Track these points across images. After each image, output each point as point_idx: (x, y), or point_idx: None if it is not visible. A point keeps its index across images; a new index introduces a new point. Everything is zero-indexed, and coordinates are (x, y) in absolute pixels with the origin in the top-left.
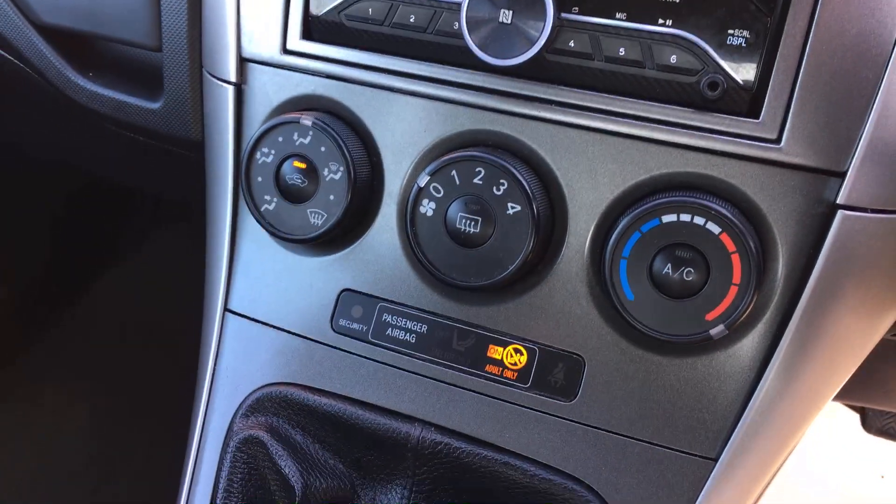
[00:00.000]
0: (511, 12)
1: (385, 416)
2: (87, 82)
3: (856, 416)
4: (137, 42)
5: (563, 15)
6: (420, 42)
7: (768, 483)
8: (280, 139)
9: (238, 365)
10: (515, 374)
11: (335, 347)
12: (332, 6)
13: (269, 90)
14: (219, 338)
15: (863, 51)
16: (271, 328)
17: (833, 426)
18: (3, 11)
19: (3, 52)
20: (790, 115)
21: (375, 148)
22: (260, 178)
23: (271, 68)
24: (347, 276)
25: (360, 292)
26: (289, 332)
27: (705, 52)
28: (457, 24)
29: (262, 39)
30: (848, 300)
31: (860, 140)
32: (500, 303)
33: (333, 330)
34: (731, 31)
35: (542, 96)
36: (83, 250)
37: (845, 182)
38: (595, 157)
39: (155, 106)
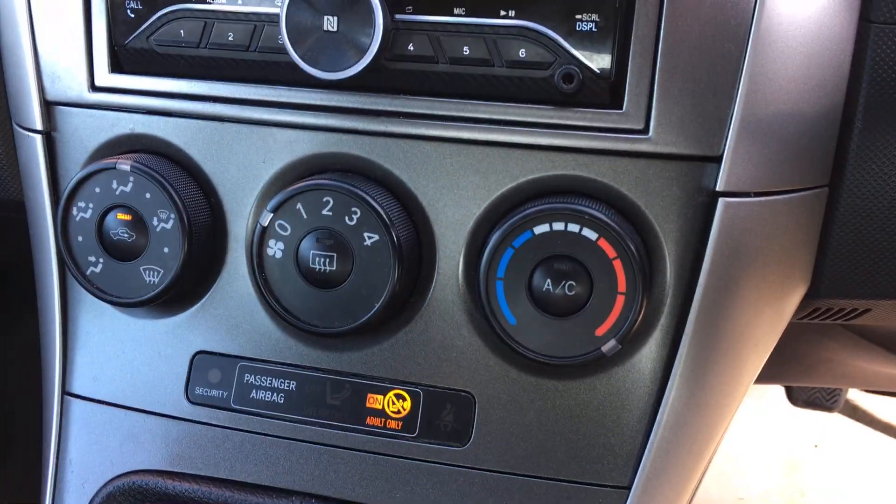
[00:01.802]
0: (336, 18)
1: (258, 493)
2: None
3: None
4: None
5: (397, 16)
6: (244, 62)
7: (693, 495)
8: (97, 190)
9: (84, 456)
10: (400, 424)
11: (194, 421)
12: (138, 32)
13: (82, 135)
14: (59, 426)
15: (721, 21)
16: (119, 408)
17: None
18: None
19: None
20: (654, 101)
21: (212, 187)
22: (80, 237)
23: (81, 109)
24: (199, 337)
25: (215, 353)
26: (140, 410)
27: (554, 42)
28: (280, 37)
29: (67, 78)
30: (744, 293)
31: (731, 120)
32: (373, 345)
33: (190, 401)
34: (578, 17)
35: (387, 108)
36: None
37: (722, 167)
38: (455, 170)
39: None
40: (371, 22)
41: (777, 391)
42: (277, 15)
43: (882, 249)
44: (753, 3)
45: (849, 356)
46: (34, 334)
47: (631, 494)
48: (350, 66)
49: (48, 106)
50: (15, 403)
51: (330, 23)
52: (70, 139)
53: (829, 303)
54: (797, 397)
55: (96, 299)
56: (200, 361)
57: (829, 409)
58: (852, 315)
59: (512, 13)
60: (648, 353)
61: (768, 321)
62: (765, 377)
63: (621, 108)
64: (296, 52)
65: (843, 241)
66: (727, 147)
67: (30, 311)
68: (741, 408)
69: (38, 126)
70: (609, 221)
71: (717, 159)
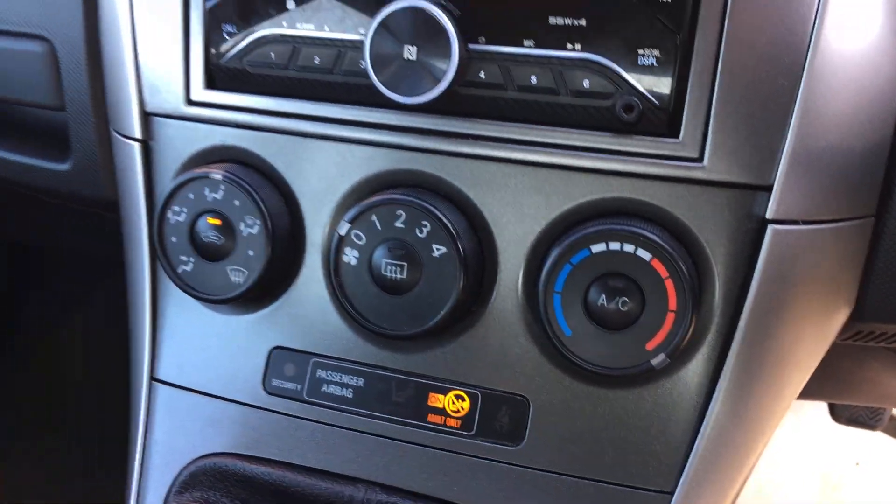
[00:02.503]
0: (415, 48)
1: (326, 479)
2: None
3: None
4: (39, 102)
5: (471, 46)
6: (328, 83)
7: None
8: (191, 196)
9: (169, 438)
10: (459, 423)
11: (270, 410)
12: (233, 54)
13: (177, 144)
14: (147, 410)
15: (776, 60)
16: (202, 395)
17: (804, 418)
18: None
19: None
20: (710, 131)
21: (293, 196)
22: (174, 239)
23: (177, 121)
24: (277, 333)
25: (291, 349)
26: (220, 398)
27: (617, 74)
28: (363, 62)
29: (165, 92)
30: (788, 315)
31: (783, 151)
32: (436, 348)
33: (266, 391)
34: (640, 52)
35: (459, 131)
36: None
37: (772, 196)
38: (518, 190)
39: (64, 167)
40: (448, 52)
41: (816, 407)
42: (361, 42)
43: None
44: (808, 42)
45: (892, 377)
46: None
47: (674, 499)
48: (427, 92)
49: (147, 117)
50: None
51: (410, 52)
52: (166, 148)
53: (872, 326)
54: (840, 414)
55: (184, 295)
56: (277, 356)
57: (872, 427)
58: (894, 339)
59: (578, 46)
60: (695, 368)
61: (812, 342)
62: (808, 393)
63: (678, 138)
64: (378, 77)
65: (886, 269)
66: (778, 177)
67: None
68: (781, 423)
69: (137, 135)
70: (662, 243)
71: (768, 188)
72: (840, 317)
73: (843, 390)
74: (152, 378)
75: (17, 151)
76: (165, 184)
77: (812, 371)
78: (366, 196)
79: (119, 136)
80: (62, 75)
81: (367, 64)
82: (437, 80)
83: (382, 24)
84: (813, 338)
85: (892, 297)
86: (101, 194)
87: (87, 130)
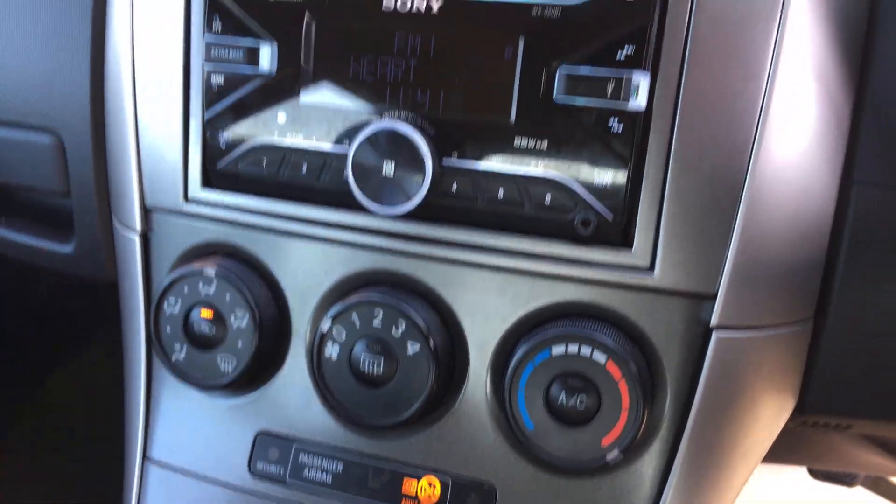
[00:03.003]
0: (393, 163)
1: None
2: None
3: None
4: (47, 189)
5: (444, 161)
6: (314, 188)
7: None
8: (186, 289)
9: None
10: None
11: (254, 493)
12: (228, 159)
13: (174, 237)
14: (139, 487)
15: (718, 183)
16: (191, 476)
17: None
18: None
19: None
20: (659, 245)
21: (280, 290)
22: (169, 329)
23: (175, 216)
24: (263, 418)
25: (275, 434)
26: (208, 479)
27: (575, 193)
28: (346, 174)
29: (165, 189)
30: (734, 412)
31: (726, 264)
32: (411, 436)
33: (251, 473)
34: (596, 174)
35: (433, 236)
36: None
37: (717, 304)
38: (486, 292)
39: (67, 249)
40: (422, 169)
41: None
42: (345, 156)
43: (857, 376)
44: (746, 169)
45: (854, 448)
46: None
47: None
48: (404, 203)
49: (147, 211)
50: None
51: (388, 167)
52: (163, 240)
53: (815, 418)
54: (817, 472)
55: (177, 380)
56: (262, 440)
57: (849, 484)
58: (838, 428)
59: (540, 165)
60: (649, 461)
61: (758, 434)
62: (780, 459)
63: (631, 249)
64: (359, 189)
65: (825, 367)
66: (721, 287)
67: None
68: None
69: (138, 228)
70: (616, 348)
71: (713, 297)
72: (785, 410)
73: (812, 458)
74: (145, 457)
75: (23, 233)
76: (162, 273)
77: (761, 458)
78: (347, 292)
79: (120, 226)
80: (69, 165)
81: (349, 177)
82: (413, 194)
83: (364, 142)
84: (759, 431)
85: (833, 393)
86: (102, 275)
87: (91, 216)
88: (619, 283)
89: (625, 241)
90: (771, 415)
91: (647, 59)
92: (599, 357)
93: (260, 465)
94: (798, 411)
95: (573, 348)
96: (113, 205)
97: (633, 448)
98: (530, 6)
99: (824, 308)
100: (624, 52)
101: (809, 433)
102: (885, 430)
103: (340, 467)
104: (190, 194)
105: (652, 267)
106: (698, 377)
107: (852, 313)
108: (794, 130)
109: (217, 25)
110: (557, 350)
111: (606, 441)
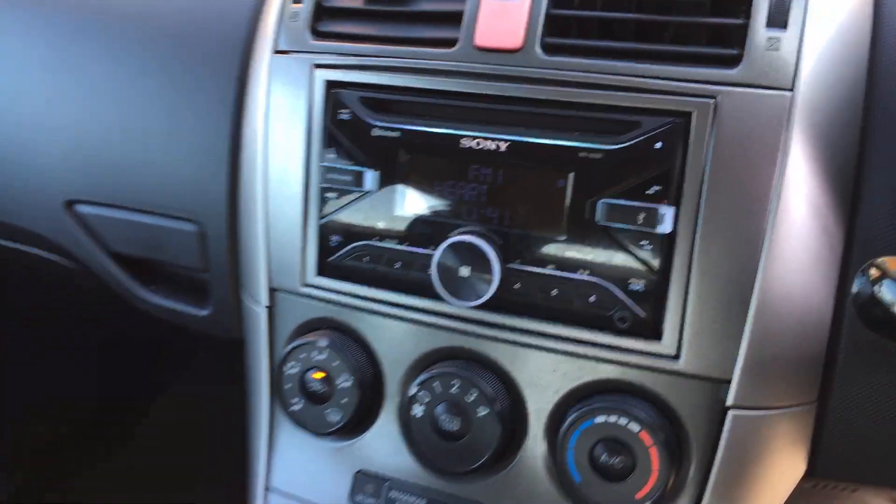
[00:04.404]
0: (468, 268)
1: None
2: (150, 295)
3: None
4: (190, 266)
5: (509, 265)
6: (404, 281)
7: None
8: (302, 355)
9: None
10: None
11: None
12: (338, 255)
13: (293, 312)
14: None
15: (731, 292)
16: (304, 503)
17: None
18: (84, 243)
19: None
20: (683, 338)
21: (376, 359)
22: (288, 385)
23: (294, 296)
24: (361, 460)
25: (370, 473)
26: None
27: (615, 295)
28: (430, 274)
29: (287, 275)
30: (748, 476)
31: (739, 356)
32: (480, 481)
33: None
34: (631, 281)
35: (499, 322)
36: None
37: (732, 388)
38: (542, 369)
39: (204, 313)
40: (491, 271)
41: None
42: (430, 257)
43: (858, 449)
44: (754, 280)
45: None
46: None
47: None
48: (477, 300)
49: (272, 291)
50: None
51: (465, 270)
52: (284, 314)
53: (824, 482)
54: None
55: (294, 426)
56: (360, 478)
57: None
58: (845, 490)
59: (587, 272)
60: None
61: (770, 494)
62: None
63: (660, 341)
64: (441, 287)
65: (829, 441)
66: (735, 374)
67: None
68: None
69: (264, 303)
70: (648, 420)
71: (729, 381)
72: (795, 475)
73: None
74: (266, 487)
75: (169, 298)
76: (282, 338)
77: None
78: (430, 364)
79: (249, 300)
80: (208, 249)
81: (433, 276)
82: (484, 293)
83: (447, 249)
84: (770, 491)
85: (837, 463)
86: (231, 335)
87: (224, 289)
88: (650, 367)
89: (656, 334)
90: (781, 479)
91: (672, 194)
92: (634, 427)
93: (359, 498)
94: (809, 474)
95: (613, 418)
96: (244, 282)
97: (661, 502)
98: (578, 149)
99: (826, 393)
100: (653, 189)
101: (825, 491)
102: (889, 494)
103: (424, 502)
104: (307, 280)
105: (678, 355)
106: (718, 446)
107: (851, 398)
108: (794, 253)
109: (331, 155)
110: (600, 419)
111: (639, 495)
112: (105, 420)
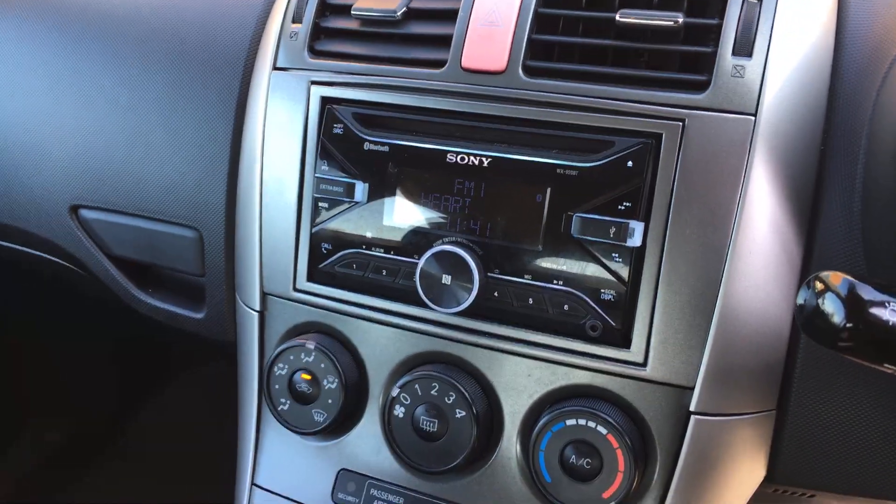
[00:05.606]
0: (450, 276)
1: None
2: (147, 297)
3: None
4: (186, 271)
5: (489, 274)
6: (390, 287)
7: None
8: (291, 357)
9: None
10: None
11: None
12: (327, 262)
13: (283, 316)
14: None
15: (696, 304)
16: (288, 500)
17: None
18: (87, 246)
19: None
20: (650, 347)
21: (362, 361)
22: (277, 386)
23: (285, 300)
24: (344, 459)
25: (353, 471)
26: (300, 503)
27: (587, 303)
28: (415, 281)
29: (279, 280)
30: (709, 478)
31: (702, 365)
32: (457, 480)
33: (333, 501)
34: (602, 290)
35: (478, 328)
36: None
37: (694, 395)
38: (518, 374)
39: (199, 316)
40: (472, 280)
41: None
42: (415, 266)
43: (814, 457)
44: (717, 293)
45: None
46: None
47: None
48: (457, 306)
49: (265, 295)
50: None
51: (446, 278)
52: (275, 318)
53: (783, 487)
54: None
55: (278, 424)
56: (342, 475)
57: None
58: (804, 496)
59: (561, 282)
60: None
61: (730, 496)
62: None
63: (629, 348)
64: (424, 294)
65: (787, 448)
66: (698, 382)
67: None
68: None
69: (257, 308)
70: (615, 423)
71: (692, 389)
72: (754, 479)
73: None
74: (252, 483)
75: (165, 301)
76: (273, 341)
77: None
78: (412, 367)
79: (243, 304)
80: (205, 254)
81: (417, 283)
82: (464, 299)
83: (430, 258)
84: (730, 494)
85: (795, 469)
86: (224, 338)
87: (219, 293)
88: (619, 373)
89: (625, 342)
90: (742, 483)
91: (641, 210)
92: (602, 429)
93: (340, 495)
94: (768, 480)
95: (582, 421)
96: (238, 287)
97: (627, 501)
98: (555, 166)
99: (785, 401)
100: (624, 205)
101: (784, 497)
102: (845, 501)
103: (402, 501)
104: (297, 285)
105: (645, 363)
106: (681, 450)
107: (808, 406)
108: (755, 268)
109: (325, 167)
110: (570, 422)
111: (606, 494)
112: (102, 423)
